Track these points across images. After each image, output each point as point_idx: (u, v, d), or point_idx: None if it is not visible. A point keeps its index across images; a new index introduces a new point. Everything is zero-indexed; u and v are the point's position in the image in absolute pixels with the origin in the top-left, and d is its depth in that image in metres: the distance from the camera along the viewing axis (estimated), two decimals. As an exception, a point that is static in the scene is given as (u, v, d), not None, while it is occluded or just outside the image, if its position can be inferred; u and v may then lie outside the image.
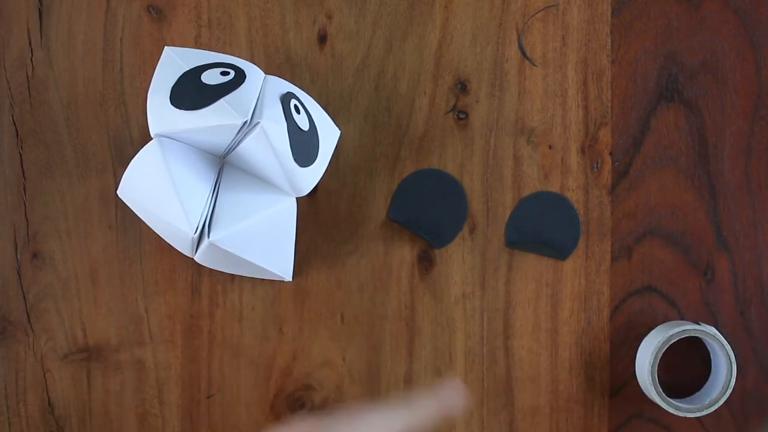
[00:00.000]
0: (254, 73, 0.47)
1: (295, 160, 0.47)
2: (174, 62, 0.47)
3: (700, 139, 0.54)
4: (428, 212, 0.53)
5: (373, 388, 0.53)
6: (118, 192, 0.48)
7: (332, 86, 0.54)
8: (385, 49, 0.54)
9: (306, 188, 0.49)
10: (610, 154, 0.54)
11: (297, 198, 0.50)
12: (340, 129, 0.52)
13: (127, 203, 0.49)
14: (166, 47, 0.48)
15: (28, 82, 0.53)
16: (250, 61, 0.52)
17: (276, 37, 0.54)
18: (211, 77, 0.46)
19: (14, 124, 0.53)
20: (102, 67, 0.53)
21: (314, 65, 0.54)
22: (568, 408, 0.53)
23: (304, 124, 0.48)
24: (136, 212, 0.49)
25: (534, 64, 0.54)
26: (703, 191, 0.54)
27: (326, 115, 0.51)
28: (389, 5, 0.54)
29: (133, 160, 0.47)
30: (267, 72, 0.50)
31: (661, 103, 0.54)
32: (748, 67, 0.54)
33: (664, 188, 0.53)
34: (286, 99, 0.47)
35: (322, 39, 0.54)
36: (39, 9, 0.53)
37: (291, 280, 0.51)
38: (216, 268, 0.51)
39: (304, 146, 0.47)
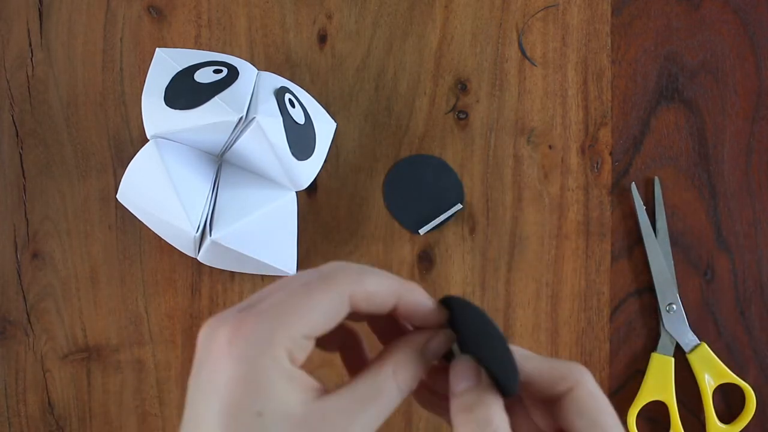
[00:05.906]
0: (247, 70, 0.47)
1: (292, 153, 0.47)
2: (166, 63, 0.47)
3: (700, 139, 0.54)
4: (415, 198, 0.52)
5: (373, 388, 0.53)
6: (117, 196, 0.48)
7: (332, 86, 0.54)
8: (385, 49, 0.54)
9: (305, 182, 0.49)
10: (610, 154, 0.54)
11: (297, 195, 0.50)
12: (335, 121, 0.52)
13: (127, 207, 0.49)
14: (157, 49, 0.48)
15: (28, 82, 0.53)
16: (250, 61, 0.53)
17: (276, 37, 0.54)
18: (204, 76, 0.46)
19: (14, 124, 0.53)
20: (102, 67, 0.53)
21: (314, 65, 0.54)
22: (568, 408, 0.53)
23: (299, 118, 0.48)
24: (136, 215, 0.49)
25: (534, 64, 0.54)
26: (703, 191, 0.54)
27: (321, 107, 0.51)
28: (389, 5, 0.54)
29: (131, 163, 0.47)
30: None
31: (661, 103, 0.54)
32: (748, 67, 0.54)
33: (664, 188, 0.53)
34: (280, 93, 0.47)
35: (322, 39, 0.54)
36: (39, 9, 0.53)
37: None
38: (219, 267, 0.51)
39: (300, 140, 0.47)
